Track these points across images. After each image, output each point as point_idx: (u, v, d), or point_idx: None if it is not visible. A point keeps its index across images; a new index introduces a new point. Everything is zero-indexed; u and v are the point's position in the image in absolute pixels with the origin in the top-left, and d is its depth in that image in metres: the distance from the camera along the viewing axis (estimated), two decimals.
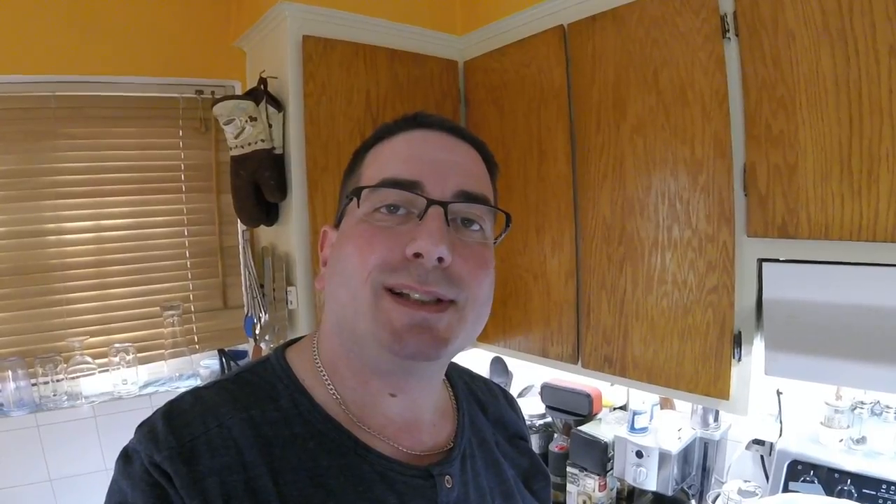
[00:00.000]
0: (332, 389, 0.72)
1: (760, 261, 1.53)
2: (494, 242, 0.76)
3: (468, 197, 0.69)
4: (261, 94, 2.01)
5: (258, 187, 2.06)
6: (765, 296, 1.52)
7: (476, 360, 2.71)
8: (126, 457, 0.64)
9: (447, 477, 0.73)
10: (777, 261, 1.50)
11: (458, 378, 0.90)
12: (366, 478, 0.67)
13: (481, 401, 0.91)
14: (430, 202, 0.66)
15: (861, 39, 1.27)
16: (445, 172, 0.70)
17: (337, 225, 0.76)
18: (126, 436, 0.66)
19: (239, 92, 2.42)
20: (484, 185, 0.74)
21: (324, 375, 0.73)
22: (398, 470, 0.70)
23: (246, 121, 1.98)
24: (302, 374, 0.73)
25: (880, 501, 1.54)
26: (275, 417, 0.68)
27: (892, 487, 1.54)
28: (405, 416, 0.74)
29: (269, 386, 0.72)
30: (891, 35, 1.23)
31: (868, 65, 1.27)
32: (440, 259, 0.64)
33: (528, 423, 0.98)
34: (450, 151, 0.73)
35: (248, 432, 0.65)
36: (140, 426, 0.65)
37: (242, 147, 2.03)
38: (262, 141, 2.01)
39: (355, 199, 0.70)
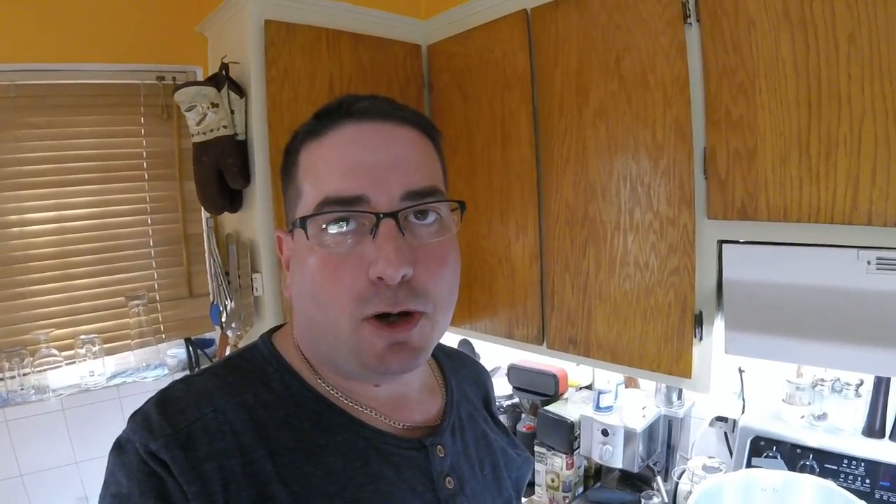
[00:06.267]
0: (319, 379, 0.73)
1: (720, 242, 1.56)
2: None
3: (416, 195, 0.67)
4: (222, 79, 1.98)
5: (221, 174, 2.03)
6: (725, 276, 1.54)
7: (443, 342, 2.72)
8: (119, 447, 0.63)
9: (439, 447, 0.75)
10: (737, 242, 1.53)
11: (445, 357, 0.93)
12: (362, 453, 0.69)
13: (469, 377, 0.95)
14: (379, 217, 0.65)
15: (821, 26, 1.28)
16: (388, 176, 0.66)
17: (290, 231, 0.73)
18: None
19: (200, 77, 2.37)
20: (430, 170, 0.72)
21: (309, 365, 0.74)
22: (393, 443, 0.72)
23: (208, 107, 1.94)
24: (290, 358, 0.75)
25: (842, 476, 1.60)
26: (268, 400, 0.69)
27: (854, 462, 1.59)
28: (393, 396, 0.77)
29: (259, 370, 0.73)
30: (850, 22, 1.24)
31: (827, 51, 1.28)
32: (403, 276, 0.64)
33: (496, 403, 1.03)
34: (387, 147, 0.68)
35: (242, 416, 0.66)
36: (133, 415, 0.65)
37: (205, 134, 1.99)
38: (225, 127, 1.98)
39: (302, 230, 0.67)
